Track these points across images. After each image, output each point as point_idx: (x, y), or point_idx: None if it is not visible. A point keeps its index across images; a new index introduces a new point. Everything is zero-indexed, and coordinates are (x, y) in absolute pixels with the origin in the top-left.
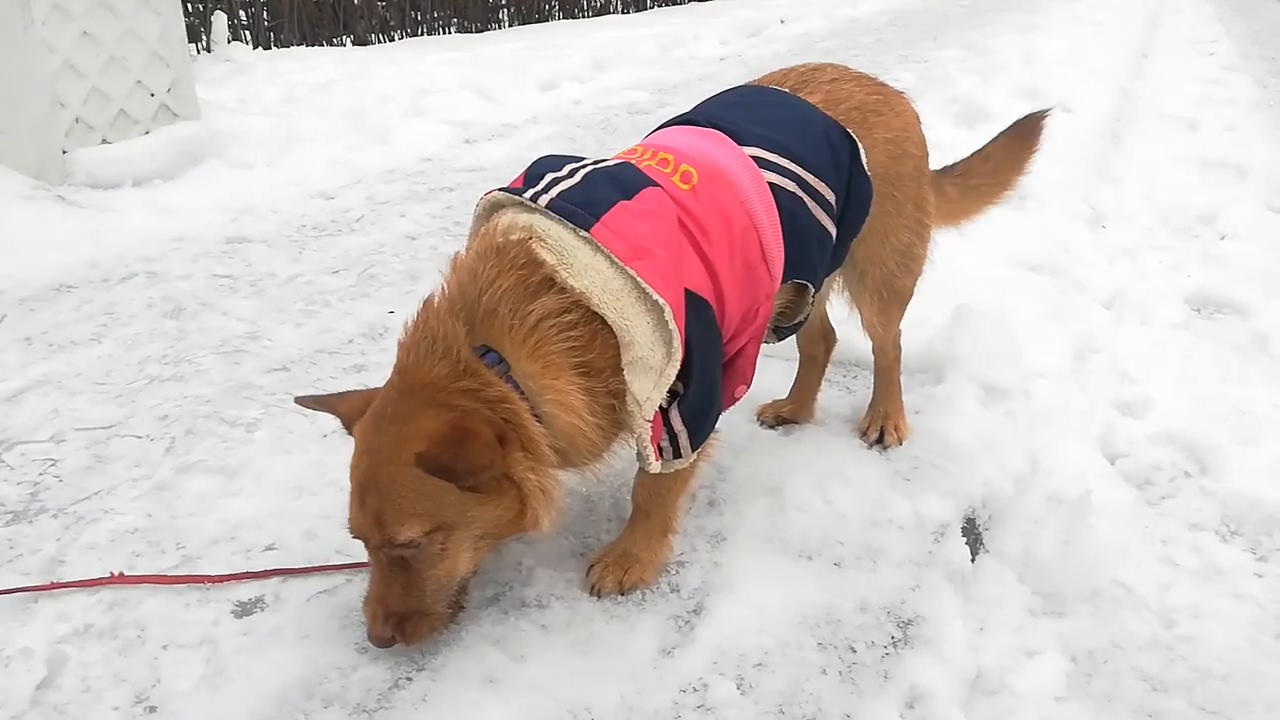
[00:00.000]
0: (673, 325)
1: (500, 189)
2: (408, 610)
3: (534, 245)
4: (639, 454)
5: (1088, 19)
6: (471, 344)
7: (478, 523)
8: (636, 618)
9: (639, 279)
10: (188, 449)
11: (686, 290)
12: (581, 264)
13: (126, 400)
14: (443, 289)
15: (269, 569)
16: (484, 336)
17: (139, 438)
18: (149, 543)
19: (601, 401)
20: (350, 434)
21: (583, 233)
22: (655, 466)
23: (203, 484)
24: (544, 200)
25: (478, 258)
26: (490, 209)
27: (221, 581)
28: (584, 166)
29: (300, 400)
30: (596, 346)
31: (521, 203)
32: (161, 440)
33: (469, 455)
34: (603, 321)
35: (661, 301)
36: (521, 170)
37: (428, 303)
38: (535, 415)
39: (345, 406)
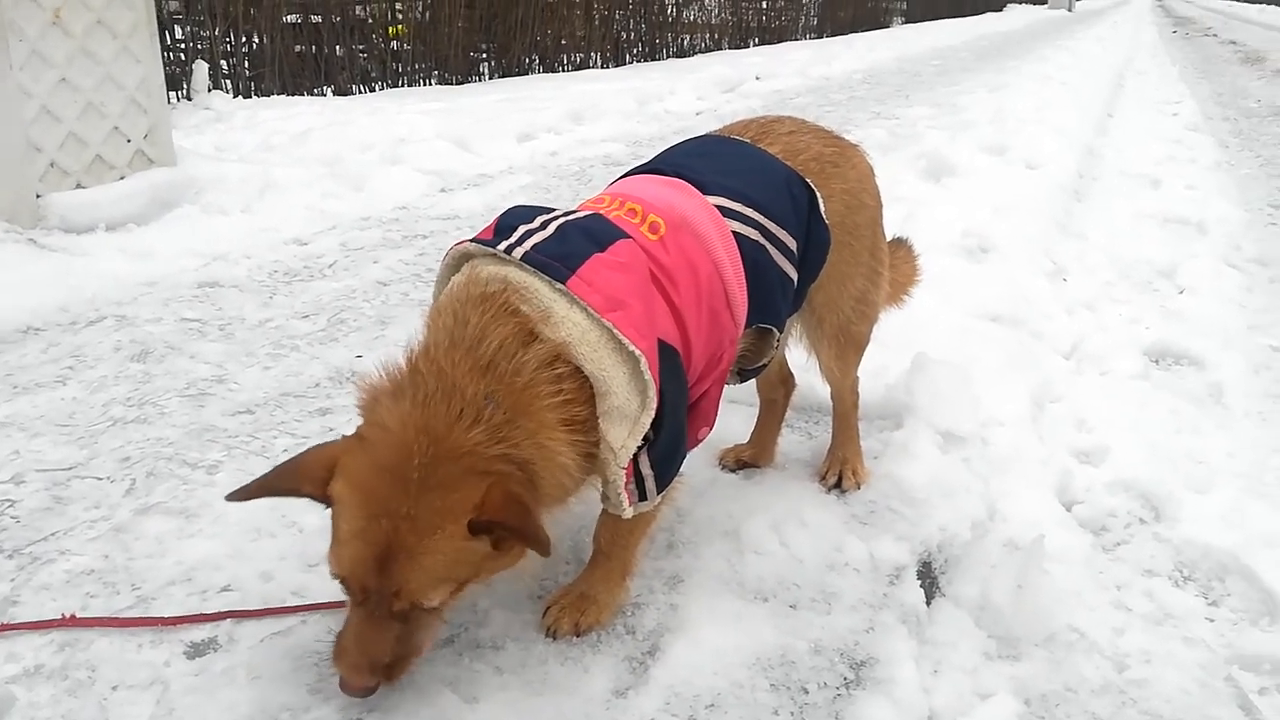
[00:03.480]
0: (648, 375)
1: (470, 240)
2: (396, 657)
3: (511, 297)
4: (607, 499)
5: (1056, 78)
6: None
7: (486, 572)
8: (591, 659)
9: (615, 330)
10: (148, 491)
11: (659, 340)
12: (559, 316)
13: (88, 442)
14: (434, 338)
15: (223, 611)
16: (487, 389)
17: (99, 479)
18: (104, 584)
19: (583, 452)
20: (323, 501)
21: (559, 285)
22: (629, 512)
23: (161, 525)
24: (518, 252)
25: (463, 304)
26: (459, 260)
27: (175, 624)
28: (556, 218)
29: (231, 497)
30: (582, 399)
31: (493, 254)
32: (122, 482)
33: (529, 524)
34: (584, 374)
35: (637, 352)
36: (491, 221)
37: (431, 352)
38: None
39: (305, 479)
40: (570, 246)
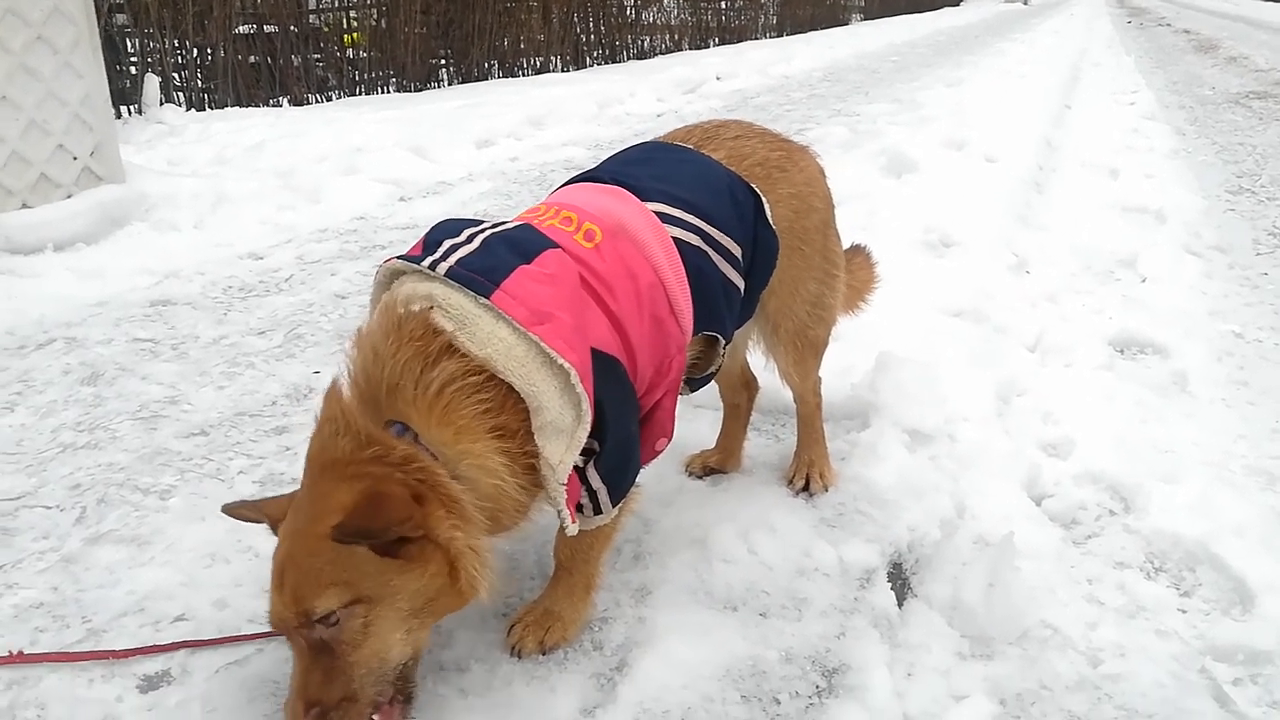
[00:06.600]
0: (580, 389)
1: (399, 257)
2: (331, 699)
3: (434, 314)
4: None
5: (1014, 72)
6: (379, 420)
7: (403, 594)
8: (558, 678)
9: (542, 344)
10: (99, 518)
11: (593, 350)
12: (484, 332)
13: (37, 470)
14: (346, 371)
15: (177, 641)
16: (391, 412)
17: (48, 508)
18: (54, 617)
19: (521, 462)
20: (276, 534)
21: (483, 300)
22: (573, 529)
23: (112, 554)
24: (442, 268)
25: (380, 334)
26: (390, 277)
27: (126, 656)
28: (482, 231)
29: (228, 510)
30: (509, 408)
31: (421, 271)
32: (72, 510)
33: (384, 514)
34: (510, 385)
35: (567, 365)
36: (420, 237)
37: (331, 389)
38: (455, 479)
39: (272, 508)
40: (494, 259)
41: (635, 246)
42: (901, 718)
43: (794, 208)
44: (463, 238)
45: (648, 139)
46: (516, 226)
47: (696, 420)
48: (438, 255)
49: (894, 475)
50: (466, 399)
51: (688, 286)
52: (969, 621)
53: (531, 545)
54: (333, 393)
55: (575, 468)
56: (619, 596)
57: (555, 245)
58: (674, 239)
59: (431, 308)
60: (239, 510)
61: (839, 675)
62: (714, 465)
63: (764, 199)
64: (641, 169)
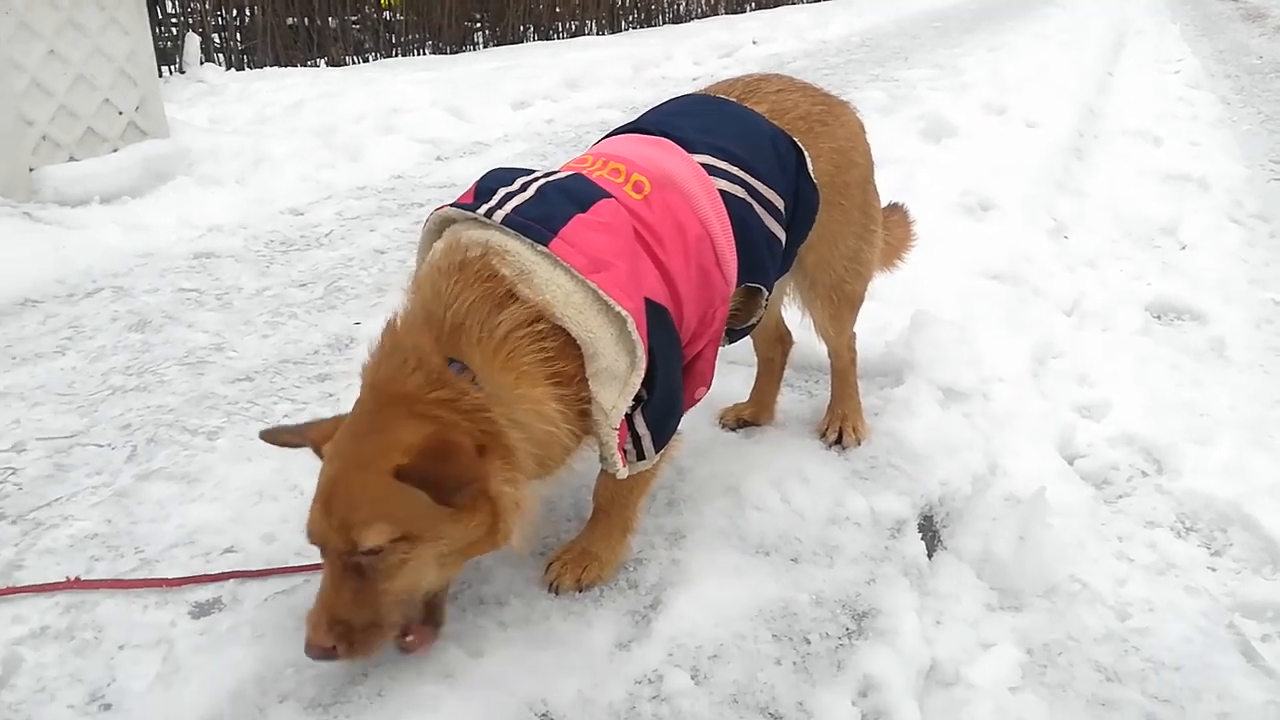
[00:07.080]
0: (635, 336)
1: (450, 204)
2: (357, 621)
3: (493, 261)
4: (605, 459)
5: (1056, 38)
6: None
7: (446, 539)
8: (594, 613)
9: (600, 291)
10: (149, 457)
11: (646, 299)
12: (542, 279)
13: (89, 410)
14: (407, 307)
15: (227, 571)
16: (452, 350)
17: (100, 446)
18: (108, 547)
19: (574, 408)
20: (321, 457)
21: (541, 248)
22: (623, 473)
23: (163, 490)
24: (499, 215)
25: (440, 274)
26: (440, 225)
27: (179, 584)
28: (535, 180)
29: (266, 435)
30: (565, 355)
31: (474, 218)
32: (123, 449)
33: (455, 469)
34: (568, 332)
35: (624, 313)
36: (471, 185)
37: (392, 322)
38: (511, 424)
39: (315, 432)
40: (551, 208)
41: (683, 198)
42: (930, 663)
43: (835, 162)
44: (516, 186)
45: None
46: (569, 176)
47: (730, 375)
48: (493, 203)
49: (927, 431)
50: (530, 345)
51: (733, 238)
52: (998, 574)
53: (568, 488)
54: (398, 325)
55: (624, 414)
56: (654, 540)
57: (609, 195)
58: (720, 191)
59: (489, 254)
60: (279, 435)
61: (869, 619)
62: (747, 418)
63: (806, 152)
64: (686, 120)
